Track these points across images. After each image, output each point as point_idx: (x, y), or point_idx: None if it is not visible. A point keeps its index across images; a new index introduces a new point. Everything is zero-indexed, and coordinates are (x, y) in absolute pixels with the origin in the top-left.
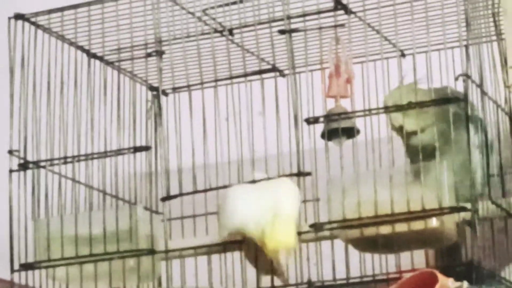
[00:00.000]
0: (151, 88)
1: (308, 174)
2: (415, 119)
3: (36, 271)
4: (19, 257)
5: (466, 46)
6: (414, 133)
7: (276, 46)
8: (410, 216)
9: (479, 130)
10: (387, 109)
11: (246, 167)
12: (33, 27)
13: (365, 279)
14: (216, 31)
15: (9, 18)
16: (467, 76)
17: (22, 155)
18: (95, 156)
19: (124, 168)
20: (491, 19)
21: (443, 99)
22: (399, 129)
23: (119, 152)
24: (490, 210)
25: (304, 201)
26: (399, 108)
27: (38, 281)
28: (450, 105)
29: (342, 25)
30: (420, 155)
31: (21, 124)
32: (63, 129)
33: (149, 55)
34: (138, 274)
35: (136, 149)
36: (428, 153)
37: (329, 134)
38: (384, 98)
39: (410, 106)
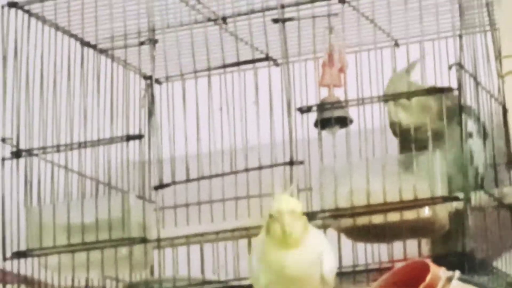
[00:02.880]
0: (145, 76)
1: (301, 163)
2: (412, 114)
3: (28, 259)
4: (11, 245)
5: (460, 36)
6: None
7: (270, 35)
8: (402, 206)
9: (473, 120)
10: (380, 99)
11: (239, 156)
12: (26, 15)
13: (357, 268)
14: (209, 19)
15: (2, 6)
16: (460, 66)
17: (15, 143)
18: (88, 144)
19: (117, 156)
20: (485, 9)
21: (437, 89)
22: (397, 124)
23: (112, 140)
24: (483, 200)
25: (297, 190)
26: (392, 97)
27: (30, 269)
28: (443, 96)
29: (335, 14)
30: (413, 145)
31: (14, 112)
32: (56, 117)
33: (142, 43)
34: (130, 263)
35: (129, 138)
36: (422, 144)
37: (322, 123)
38: (386, 87)
39: (404, 95)
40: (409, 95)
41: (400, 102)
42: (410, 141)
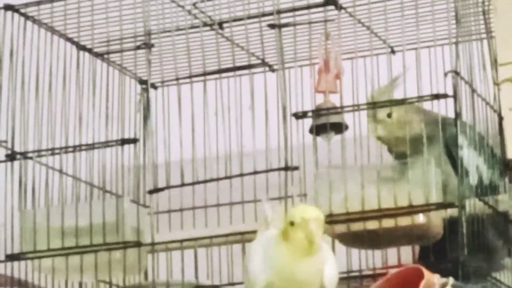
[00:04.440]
0: (140, 81)
1: (296, 168)
2: (391, 130)
3: (22, 262)
4: (5, 247)
5: (456, 43)
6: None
7: (266, 41)
8: (397, 212)
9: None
10: (375, 105)
11: (234, 161)
12: (22, 18)
13: (351, 274)
14: (205, 24)
15: None
16: (456, 73)
17: (9, 145)
18: (83, 148)
19: (111, 160)
20: (481, 17)
21: (432, 95)
22: (381, 140)
23: (106, 144)
24: (478, 207)
25: (292, 196)
26: (386, 104)
27: (24, 272)
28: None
29: (332, 20)
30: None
31: (9, 114)
32: (51, 121)
33: (138, 47)
34: (124, 267)
35: (124, 142)
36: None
37: (318, 129)
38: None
39: (397, 102)
40: (402, 102)
41: (379, 118)
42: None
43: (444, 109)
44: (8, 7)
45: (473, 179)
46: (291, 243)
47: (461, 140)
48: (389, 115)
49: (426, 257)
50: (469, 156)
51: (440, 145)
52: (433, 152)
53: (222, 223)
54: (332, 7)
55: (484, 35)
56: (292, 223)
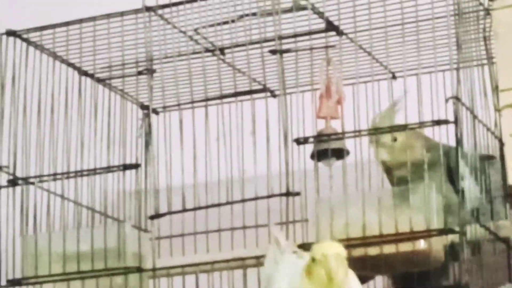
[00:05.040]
0: (142, 106)
1: (297, 194)
2: (395, 154)
3: (24, 287)
4: (6, 273)
5: (457, 69)
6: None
7: (267, 66)
8: (398, 238)
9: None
10: (377, 131)
11: (235, 186)
12: (24, 44)
13: None
14: (207, 50)
15: (1, 34)
16: (457, 99)
17: (11, 171)
18: (85, 173)
19: (113, 185)
20: (482, 43)
21: (433, 121)
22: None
23: (108, 169)
24: (479, 233)
25: (293, 222)
26: (388, 130)
27: None
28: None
29: (333, 46)
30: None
31: (11, 140)
32: (53, 146)
33: (140, 73)
34: None
35: (126, 167)
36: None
37: (319, 155)
38: (373, 120)
39: (398, 128)
40: (404, 127)
41: (383, 142)
42: (393, 178)
43: (445, 135)
44: (10, 33)
45: (473, 205)
46: (314, 279)
47: (463, 168)
48: (394, 139)
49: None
50: (470, 184)
51: (442, 171)
52: (434, 178)
53: (223, 248)
54: (333, 33)
55: (485, 61)
56: (313, 259)
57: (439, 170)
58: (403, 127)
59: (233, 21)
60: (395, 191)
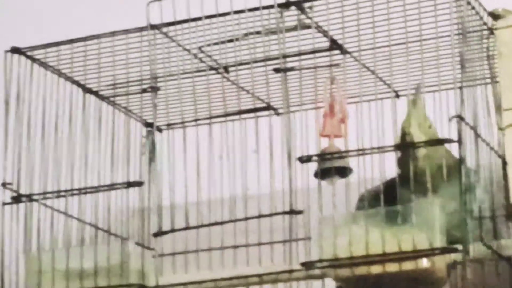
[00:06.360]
0: (146, 124)
1: (300, 212)
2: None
3: None
4: None
5: (461, 88)
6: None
7: (271, 85)
8: (401, 256)
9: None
10: (380, 149)
11: (238, 204)
12: (29, 61)
13: None
14: (211, 68)
15: (6, 52)
16: (460, 118)
17: (15, 188)
18: (88, 190)
19: (116, 203)
20: (486, 62)
21: (436, 140)
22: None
23: (112, 187)
24: (481, 252)
25: (296, 240)
26: (392, 149)
27: None
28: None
29: (337, 65)
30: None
31: (15, 157)
32: (57, 163)
33: (144, 90)
34: None
35: (129, 184)
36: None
37: (322, 173)
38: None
39: (403, 145)
40: (409, 145)
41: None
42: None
43: None
44: (15, 50)
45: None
46: None
47: (468, 185)
48: (429, 126)
49: None
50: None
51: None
52: (451, 191)
53: (226, 265)
54: (337, 51)
55: (488, 80)
56: None
57: (456, 182)
58: (411, 145)
59: (237, 39)
60: (398, 209)
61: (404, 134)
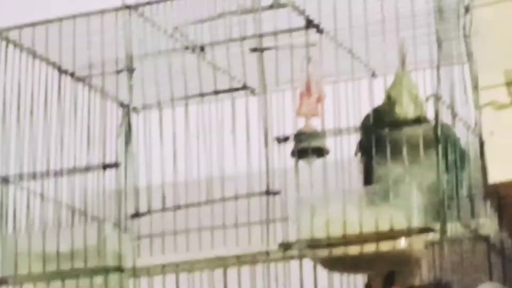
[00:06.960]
0: (122, 105)
1: (277, 193)
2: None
3: (3, 287)
4: None
5: (437, 68)
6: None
7: (247, 65)
8: (378, 237)
9: (453, 150)
10: (356, 130)
11: (215, 185)
12: (3, 42)
13: None
14: (187, 48)
15: None
16: (437, 97)
17: None
18: (64, 172)
19: (93, 184)
20: (463, 41)
21: (414, 120)
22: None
23: (88, 168)
24: (459, 231)
25: (273, 220)
26: (369, 128)
27: None
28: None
29: (313, 45)
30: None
31: None
32: (32, 145)
33: (119, 71)
34: None
35: (105, 166)
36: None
37: (299, 153)
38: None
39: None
40: (387, 125)
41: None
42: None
43: None
44: None
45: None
46: None
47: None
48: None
49: None
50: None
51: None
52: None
53: (203, 247)
54: (313, 31)
55: (465, 59)
56: None
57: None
58: (385, 125)
59: (213, 18)
60: (376, 189)
61: (390, 100)
